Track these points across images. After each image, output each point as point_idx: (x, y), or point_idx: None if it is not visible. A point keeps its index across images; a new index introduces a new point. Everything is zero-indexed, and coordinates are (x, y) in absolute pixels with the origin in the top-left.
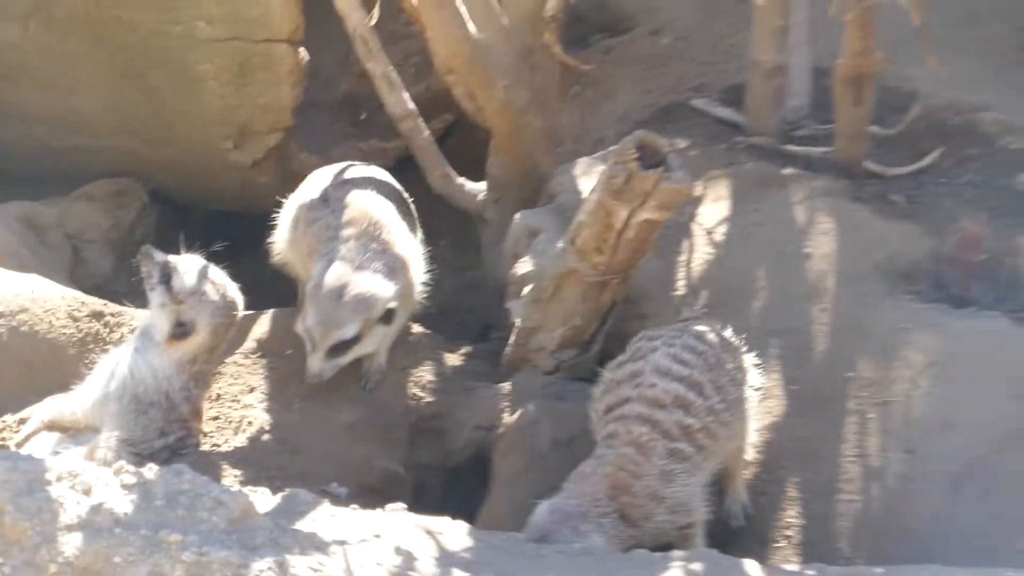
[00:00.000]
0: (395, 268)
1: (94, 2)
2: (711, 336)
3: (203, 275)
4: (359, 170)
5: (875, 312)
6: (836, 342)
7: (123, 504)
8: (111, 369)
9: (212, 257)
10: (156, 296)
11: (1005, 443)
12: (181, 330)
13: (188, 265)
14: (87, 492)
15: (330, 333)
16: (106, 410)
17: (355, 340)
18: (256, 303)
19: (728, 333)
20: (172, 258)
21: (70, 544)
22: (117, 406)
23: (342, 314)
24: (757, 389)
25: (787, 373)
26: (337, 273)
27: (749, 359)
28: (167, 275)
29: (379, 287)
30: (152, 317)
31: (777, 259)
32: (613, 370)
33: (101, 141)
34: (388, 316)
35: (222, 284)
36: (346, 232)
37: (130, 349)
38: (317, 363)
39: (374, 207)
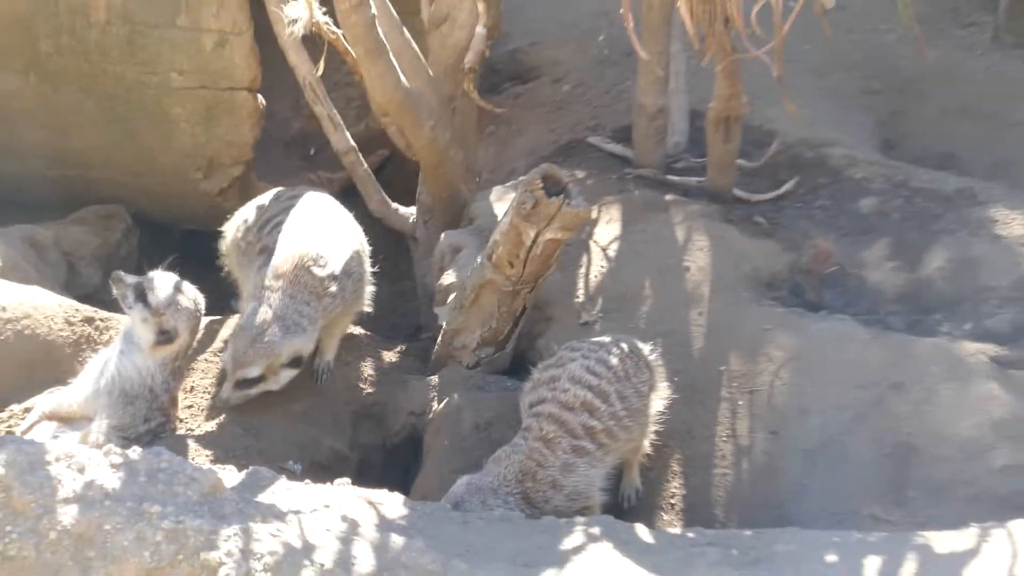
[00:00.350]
0: (311, 318)
1: (84, 58)
2: (624, 352)
3: (176, 287)
4: (307, 199)
5: (743, 315)
6: (710, 341)
7: (112, 480)
8: (100, 367)
9: (186, 269)
10: (136, 313)
11: (852, 425)
12: (165, 337)
13: (160, 281)
14: (81, 470)
15: (238, 370)
16: (98, 402)
17: (259, 379)
18: (222, 308)
19: (647, 350)
20: (143, 278)
21: (67, 514)
22: (107, 399)
23: (250, 357)
24: (663, 399)
25: (670, 367)
26: (257, 319)
27: (661, 374)
28: (142, 293)
29: (287, 339)
30: (135, 328)
31: (660, 271)
32: (540, 372)
33: (91, 173)
34: (295, 362)
35: (190, 292)
36: (275, 283)
37: (116, 351)
38: (227, 391)
39: (306, 246)
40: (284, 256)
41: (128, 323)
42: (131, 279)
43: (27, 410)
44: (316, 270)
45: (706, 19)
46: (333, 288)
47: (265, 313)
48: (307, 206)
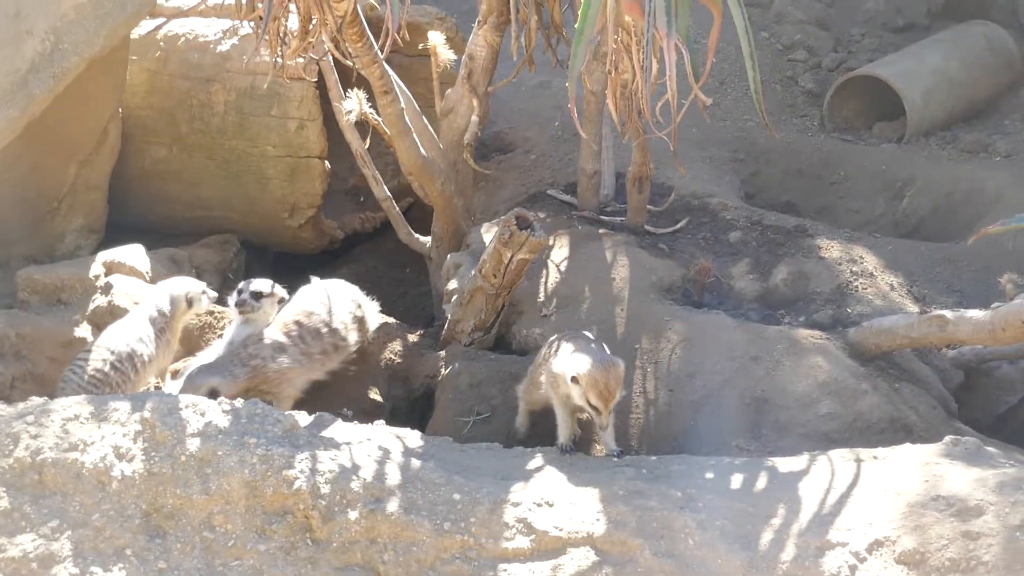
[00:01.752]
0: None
1: (209, 136)
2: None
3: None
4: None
5: (650, 310)
6: (629, 328)
7: (223, 421)
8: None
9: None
10: (267, 305)
11: (724, 385)
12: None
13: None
14: (202, 414)
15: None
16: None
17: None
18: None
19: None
20: (250, 286)
21: (193, 444)
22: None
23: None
24: None
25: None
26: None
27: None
28: (259, 295)
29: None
30: (264, 314)
31: (595, 280)
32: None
33: (213, 213)
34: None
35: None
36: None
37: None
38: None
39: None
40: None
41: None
42: (246, 294)
43: (175, 372)
44: None
45: (626, 111)
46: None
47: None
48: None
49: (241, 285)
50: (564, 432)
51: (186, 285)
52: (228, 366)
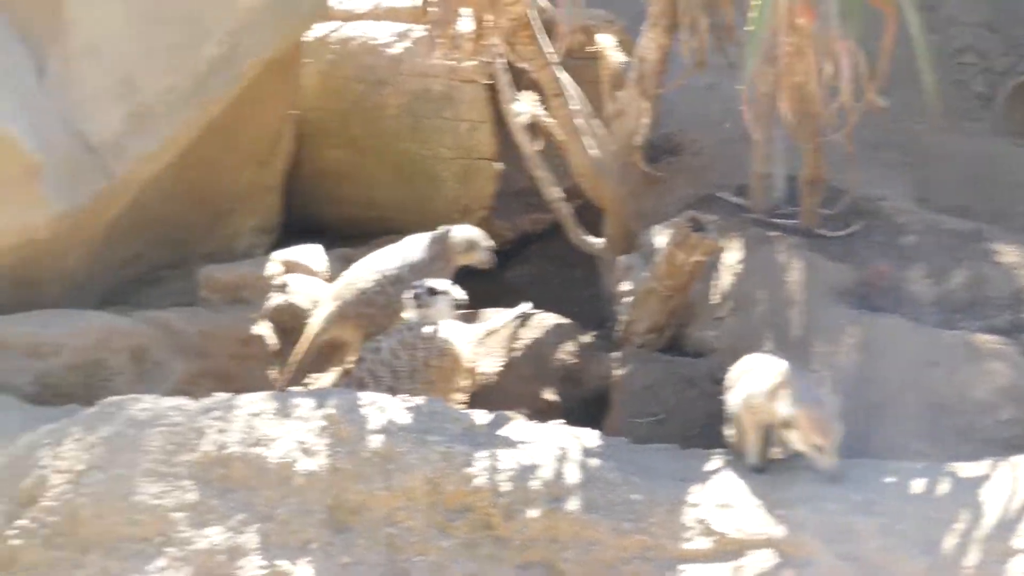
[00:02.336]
0: None
1: (383, 139)
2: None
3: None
4: None
5: (825, 313)
6: (803, 331)
7: (405, 418)
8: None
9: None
10: (442, 303)
11: (903, 389)
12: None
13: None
14: (383, 411)
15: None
16: None
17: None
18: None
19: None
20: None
21: (376, 440)
22: None
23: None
24: None
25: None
26: None
27: None
28: (433, 290)
29: None
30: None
31: (768, 283)
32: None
33: (387, 215)
34: None
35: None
36: None
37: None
38: None
39: None
40: None
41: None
42: (423, 294)
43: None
44: None
45: (799, 113)
46: None
47: None
48: None
49: (416, 283)
50: (756, 452)
51: (471, 231)
52: None
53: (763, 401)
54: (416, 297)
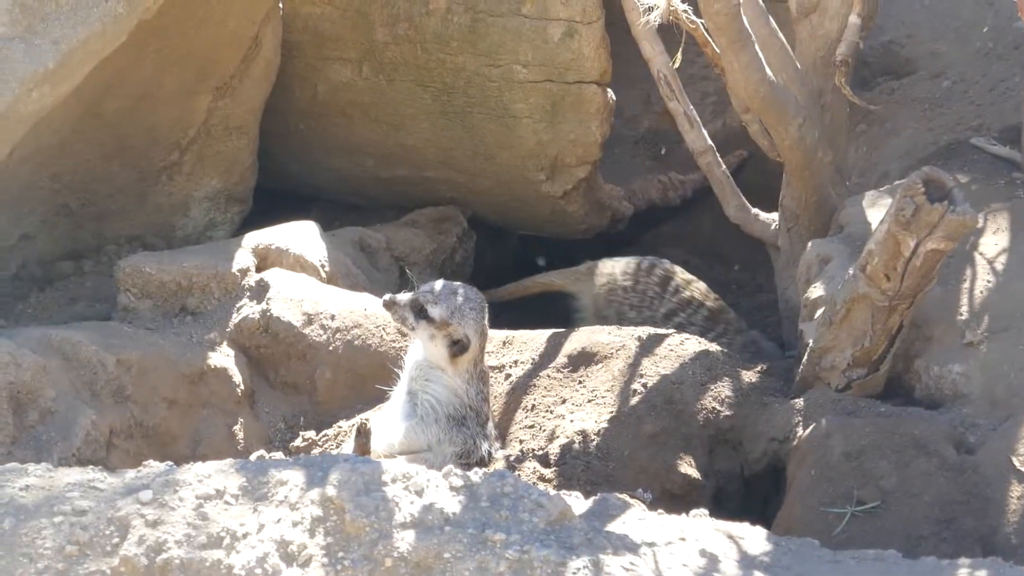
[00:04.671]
0: None
1: (421, 47)
2: None
3: (453, 291)
4: None
5: None
6: None
7: (452, 504)
8: (404, 402)
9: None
10: (422, 331)
11: None
12: (459, 347)
13: (436, 291)
14: (419, 493)
15: (426, 293)
16: (429, 433)
17: (415, 313)
18: (553, 318)
19: None
20: (417, 293)
21: (404, 540)
22: (437, 427)
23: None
24: None
25: None
26: None
27: None
28: (422, 310)
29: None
30: (425, 351)
31: None
32: None
33: (424, 172)
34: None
35: (470, 292)
36: None
37: (420, 384)
38: (401, 295)
39: None
40: None
41: (416, 349)
42: (404, 298)
43: (363, 427)
44: None
45: None
46: None
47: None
48: None
49: (426, 284)
50: None
51: None
52: None
53: None
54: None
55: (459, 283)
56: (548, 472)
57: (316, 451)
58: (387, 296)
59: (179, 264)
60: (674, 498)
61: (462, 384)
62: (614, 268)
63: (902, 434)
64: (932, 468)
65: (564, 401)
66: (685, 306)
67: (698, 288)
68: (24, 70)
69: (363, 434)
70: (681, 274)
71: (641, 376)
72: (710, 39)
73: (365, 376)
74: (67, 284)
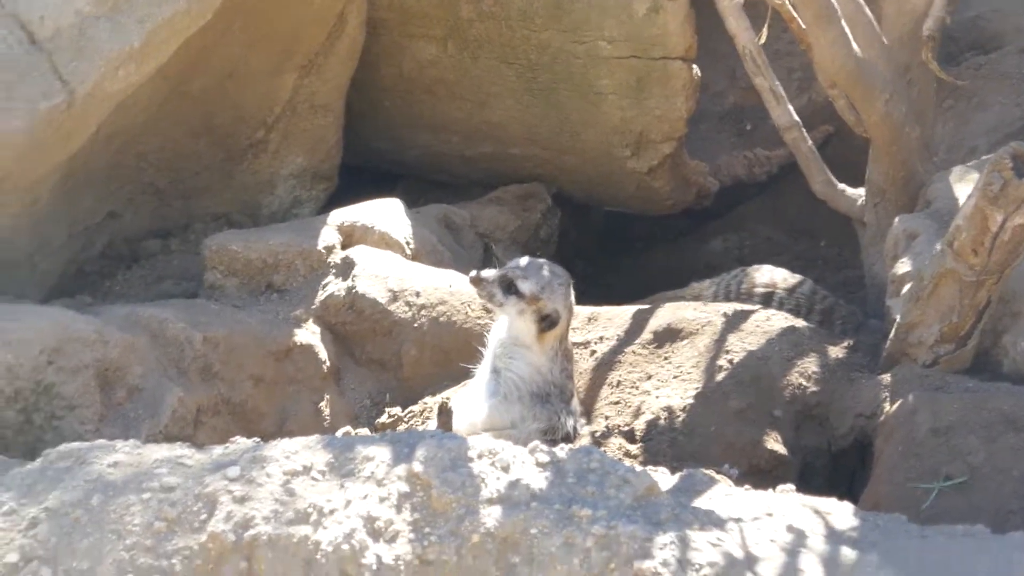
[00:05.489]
0: None
1: (506, 24)
2: None
3: (537, 267)
4: None
5: None
6: None
7: (538, 480)
8: (488, 381)
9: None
10: (511, 307)
11: None
12: (548, 322)
13: (524, 266)
14: (506, 469)
15: (515, 271)
16: (513, 411)
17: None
18: (636, 293)
19: None
20: (506, 269)
21: (491, 516)
22: (520, 405)
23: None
24: None
25: None
26: None
27: None
28: (511, 285)
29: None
30: (511, 329)
31: None
32: None
33: (509, 149)
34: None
35: (556, 268)
36: None
37: (503, 362)
38: (486, 272)
39: None
40: None
41: (502, 326)
42: (492, 274)
43: (442, 406)
44: None
45: None
46: None
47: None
48: None
49: (512, 260)
50: None
51: None
52: None
53: None
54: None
55: (544, 259)
56: (634, 448)
57: (402, 428)
58: (474, 272)
59: (265, 242)
60: (760, 474)
61: (546, 362)
62: (700, 289)
63: (990, 409)
64: (1021, 443)
65: (650, 377)
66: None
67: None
68: (109, 49)
69: (444, 413)
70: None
71: (727, 352)
72: (796, 14)
73: (450, 353)
74: (154, 262)
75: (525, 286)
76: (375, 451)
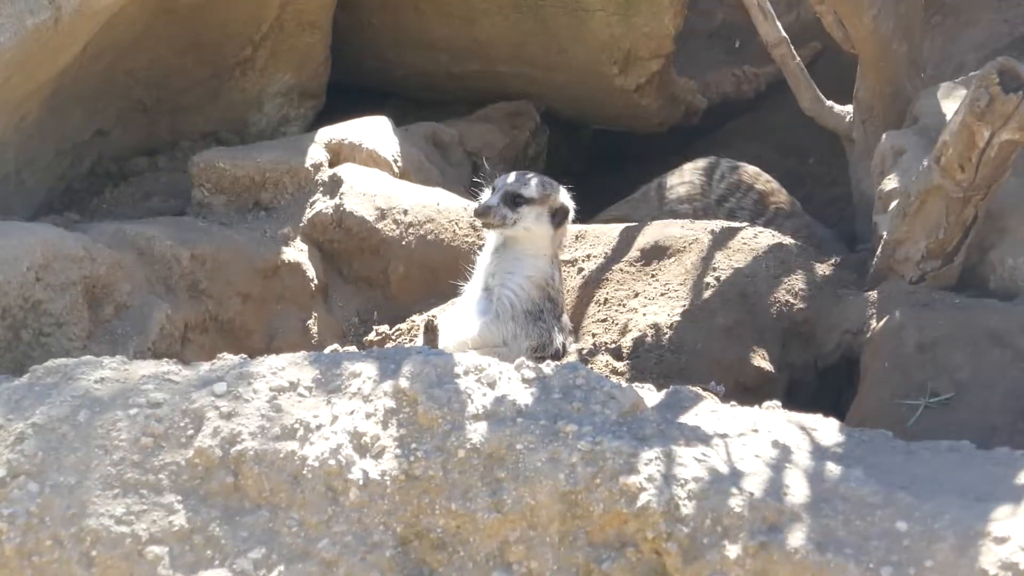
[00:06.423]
0: None
1: None
2: None
3: (528, 175)
4: None
5: None
6: None
7: (524, 396)
8: (480, 299)
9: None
10: (526, 215)
11: None
12: (561, 215)
13: (516, 180)
14: (491, 385)
15: (515, 180)
16: (505, 329)
17: (520, 204)
18: None
19: None
20: (505, 186)
21: (476, 432)
22: (513, 324)
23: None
24: None
25: None
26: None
27: None
28: (517, 197)
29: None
30: (527, 237)
31: None
32: None
33: (497, 67)
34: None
35: (534, 172)
36: None
37: (499, 279)
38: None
39: None
40: None
41: (493, 243)
42: (494, 199)
43: (428, 324)
44: None
45: None
46: None
47: None
48: None
49: (498, 180)
50: None
51: None
52: None
53: None
54: (482, 212)
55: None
56: (620, 365)
57: (389, 345)
58: (477, 206)
59: (253, 159)
60: (747, 391)
61: (551, 269)
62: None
63: (976, 326)
64: (1006, 359)
65: (637, 295)
66: (734, 190)
67: (746, 172)
68: None
69: (430, 331)
70: (726, 161)
71: (714, 269)
72: None
73: (438, 270)
74: (142, 179)
75: (528, 191)
76: (362, 367)
